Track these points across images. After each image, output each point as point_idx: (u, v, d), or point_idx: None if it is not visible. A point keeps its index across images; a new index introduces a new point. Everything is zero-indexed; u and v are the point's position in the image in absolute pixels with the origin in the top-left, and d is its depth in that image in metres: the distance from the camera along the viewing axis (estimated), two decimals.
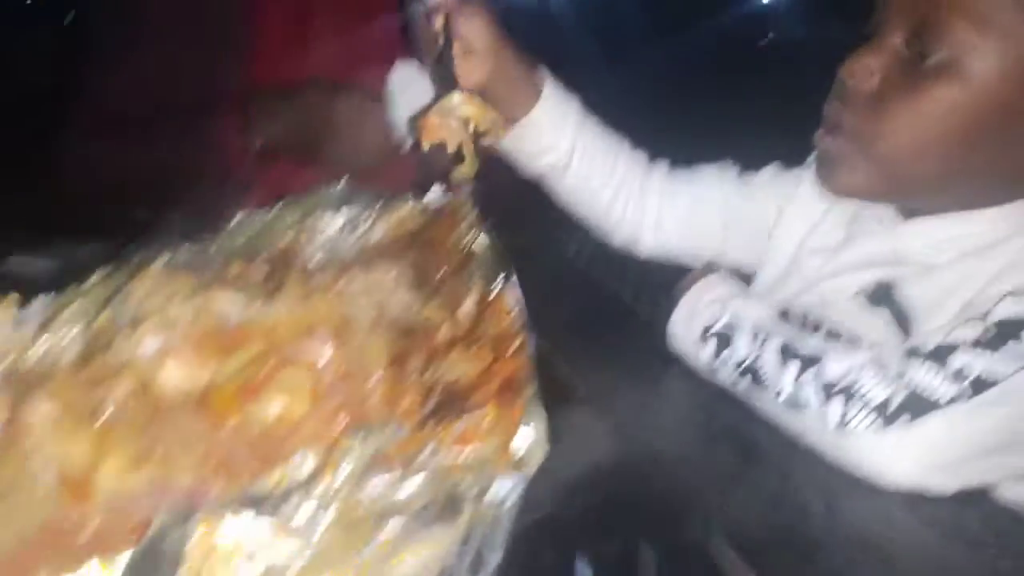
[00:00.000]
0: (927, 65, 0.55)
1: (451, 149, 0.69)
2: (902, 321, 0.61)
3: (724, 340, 0.62)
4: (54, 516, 0.39)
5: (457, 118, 0.69)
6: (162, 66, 0.96)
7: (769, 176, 0.79)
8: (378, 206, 0.78)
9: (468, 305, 0.60)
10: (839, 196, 0.65)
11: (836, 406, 0.53)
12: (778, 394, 0.56)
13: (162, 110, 0.93)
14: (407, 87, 0.83)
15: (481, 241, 0.64)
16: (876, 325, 0.62)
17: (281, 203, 0.68)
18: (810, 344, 0.57)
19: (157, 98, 0.94)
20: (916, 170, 0.59)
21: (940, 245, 0.61)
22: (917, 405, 0.51)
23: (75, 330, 0.46)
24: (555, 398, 0.56)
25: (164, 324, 0.46)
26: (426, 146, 0.70)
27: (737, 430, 0.58)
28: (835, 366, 0.54)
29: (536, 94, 0.72)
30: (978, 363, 0.50)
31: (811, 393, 0.54)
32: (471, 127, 0.69)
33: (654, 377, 0.67)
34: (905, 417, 0.51)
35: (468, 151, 0.70)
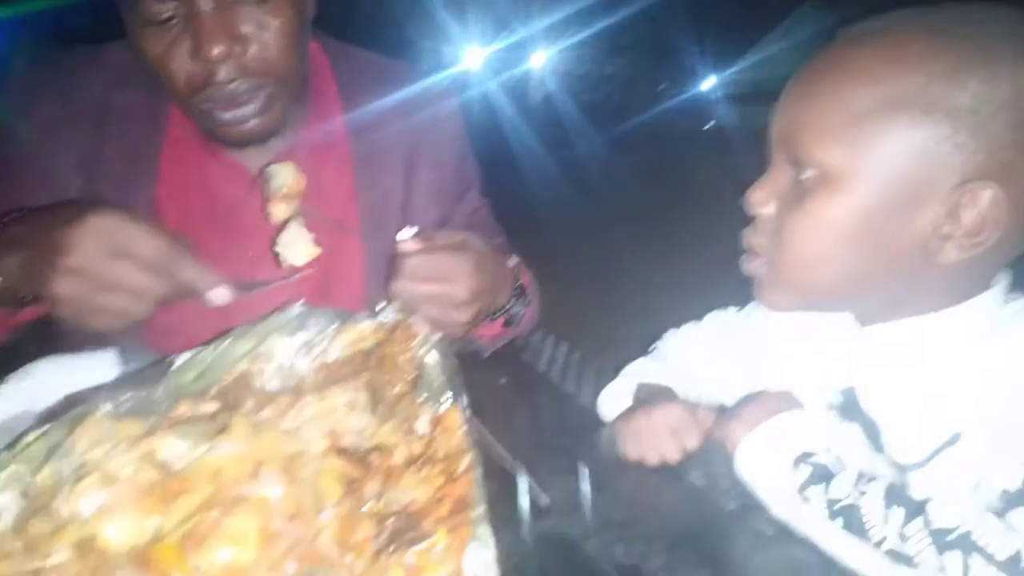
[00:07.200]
0: (805, 184, 0.59)
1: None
2: (871, 433, 0.62)
3: (821, 473, 0.58)
4: None
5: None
6: None
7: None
8: (334, 326, 0.78)
9: (422, 425, 0.60)
10: (774, 311, 0.68)
11: (954, 561, 0.50)
12: (880, 542, 0.54)
13: None
14: None
15: (431, 356, 0.64)
16: (850, 438, 0.63)
17: (232, 334, 0.68)
18: (908, 492, 0.55)
19: None
20: (820, 280, 0.61)
21: (896, 350, 0.62)
22: None
23: (8, 496, 0.44)
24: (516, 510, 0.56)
25: (104, 479, 0.45)
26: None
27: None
28: (944, 516, 0.52)
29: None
30: None
31: (921, 545, 0.52)
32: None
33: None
34: None
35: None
